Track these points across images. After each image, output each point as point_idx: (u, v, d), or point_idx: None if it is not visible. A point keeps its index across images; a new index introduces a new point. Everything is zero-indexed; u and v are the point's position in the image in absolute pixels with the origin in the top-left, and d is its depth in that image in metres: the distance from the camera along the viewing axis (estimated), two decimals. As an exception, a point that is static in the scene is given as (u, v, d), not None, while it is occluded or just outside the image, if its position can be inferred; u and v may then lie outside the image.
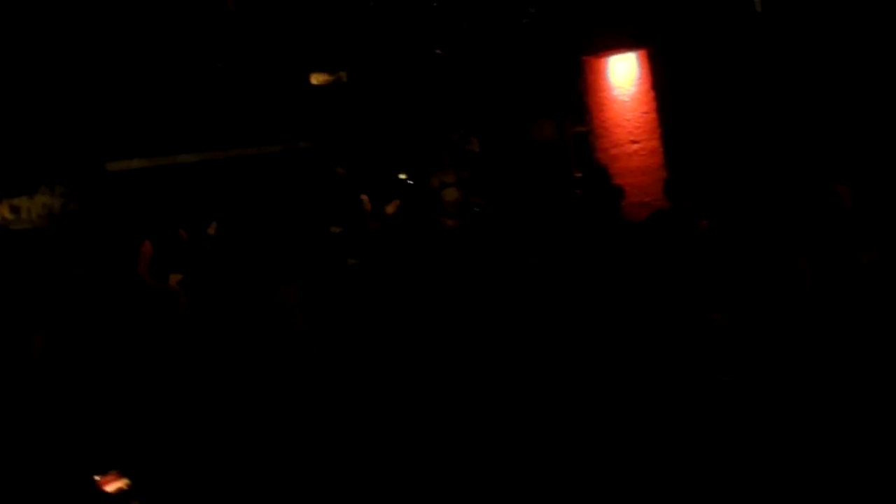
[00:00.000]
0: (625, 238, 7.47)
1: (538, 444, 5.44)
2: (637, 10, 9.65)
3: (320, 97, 11.66)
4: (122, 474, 5.08)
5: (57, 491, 5.05)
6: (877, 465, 4.57)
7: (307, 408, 6.32)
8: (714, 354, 5.86)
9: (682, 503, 4.61)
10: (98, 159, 10.84)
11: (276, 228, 10.37)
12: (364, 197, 10.10)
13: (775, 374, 5.42)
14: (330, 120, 11.84)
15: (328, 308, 6.94)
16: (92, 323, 7.66)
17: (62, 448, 5.53)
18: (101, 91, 10.38)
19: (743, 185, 8.47)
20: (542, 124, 10.45)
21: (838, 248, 6.77)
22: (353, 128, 11.93)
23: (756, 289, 5.64)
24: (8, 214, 10.42)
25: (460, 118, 12.25)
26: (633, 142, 10.08)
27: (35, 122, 10.14)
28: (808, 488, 4.50)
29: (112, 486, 5.03)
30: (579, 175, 10.74)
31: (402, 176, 11.51)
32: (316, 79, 11.29)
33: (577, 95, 10.52)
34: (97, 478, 4.99)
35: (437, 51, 11.04)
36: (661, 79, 9.85)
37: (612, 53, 10.07)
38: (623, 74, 10.10)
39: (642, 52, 9.91)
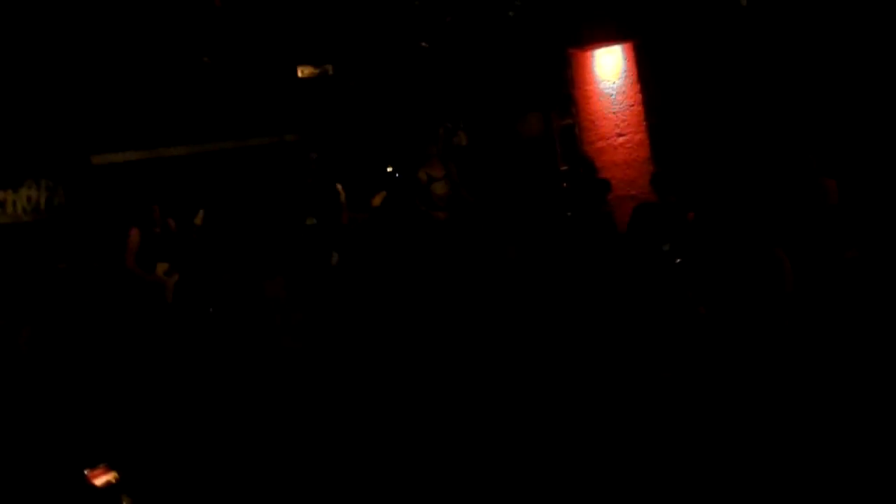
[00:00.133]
0: (609, 231, 7.51)
1: (524, 434, 5.46)
2: (623, 4, 9.68)
3: (307, 90, 11.64)
4: (110, 468, 5.08)
5: (45, 484, 5.05)
6: (862, 455, 4.61)
7: (291, 401, 6.32)
8: (698, 345, 5.89)
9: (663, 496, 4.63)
10: (83, 153, 10.80)
11: (257, 221, 10.41)
12: (338, 187, 10.09)
13: (756, 366, 5.45)
14: (316, 113, 11.82)
15: (311, 302, 6.94)
16: (79, 316, 7.65)
17: (50, 441, 5.52)
18: (86, 84, 10.33)
19: (728, 178, 8.52)
20: (528, 118, 10.47)
21: (823, 242, 6.82)
22: (339, 121, 11.92)
23: (735, 281, 5.67)
24: (-8, 208, 10.39)
25: (447, 111, 12.25)
26: (620, 135, 10.11)
27: (20, 115, 10.09)
28: (792, 480, 4.53)
29: (101, 480, 5.02)
30: (565, 168, 10.78)
31: (389, 168, 11.52)
32: (302, 72, 11.26)
33: (563, 88, 10.55)
34: (86, 471, 4.98)
35: (423, 44, 11.03)
36: (647, 72, 9.88)
37: (599, 46, 10.09)
38: (609, 67, 10.13)
39: (628, 45, 9.94)
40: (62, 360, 6.48)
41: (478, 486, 5.01)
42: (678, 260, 6.83)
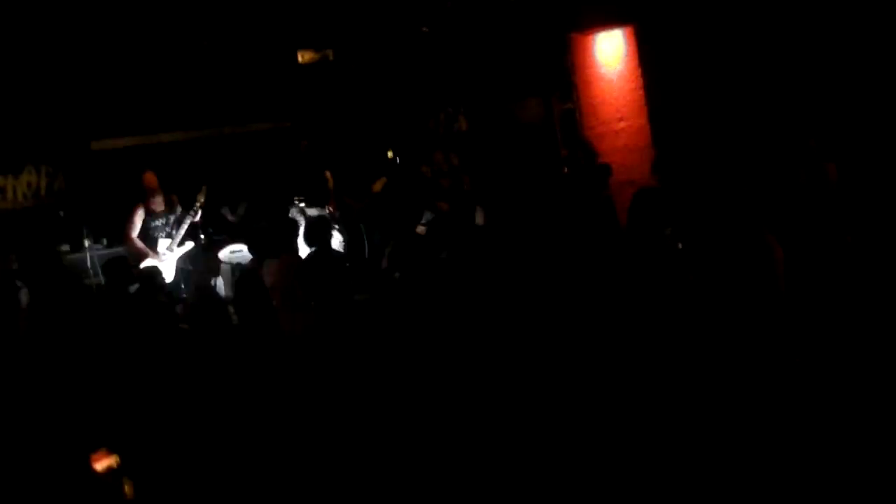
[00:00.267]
0: (609, 216, 7.49)
1: (520, 424, 5.46)
2: (624, -13, 9.63)
3: (306, 76, 11.61)
4: (112, 451, 5.08)
5: (47, 469, 5.05)
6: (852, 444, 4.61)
7: (289, 387, 6.32)
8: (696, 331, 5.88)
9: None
10: (83, 138, 10.80)
11: (255, 205, 10.42)
12: (327, 174, 10.11)
13: (750, 354, 5.44)
14: (315, 99, 11.80)
15: (309, 287, 6.92)
16: (79, 301, 7.64)
17: (51, 425, 5.52)
18: (86, 71, 10.32)
19: (727, 162, 8.50)
20: (528, 102, 10.44)
21: (825, 225, 6.81)
22: (338, 106, 11.89)
23: (726, 267, 5.66)
24: (-7, 194, 10.41)
25: (447, 96, 12.23)
26: (621, 119, 10.07)
27: (20, 102, 10.08)
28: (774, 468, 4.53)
29: (102, 464, 5.03)
30: (565, 153, 10.74)
31: (390, 154, 11.52)
32: (302, 57, 11.23)
33: (564, 73, 10.51)
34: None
35: (424, 28, 10.99)
36: (649, 56, 9.82)
37: (599, 30, 10.05)
38: (610, 52, 10.08)
39: (629, 29, 9.88)
40: (62, 344, 6.47)
41: (475, 474, 5.02)
42: (679, 245, 6.81)
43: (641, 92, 9.89)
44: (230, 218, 10.32)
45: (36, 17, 8.99)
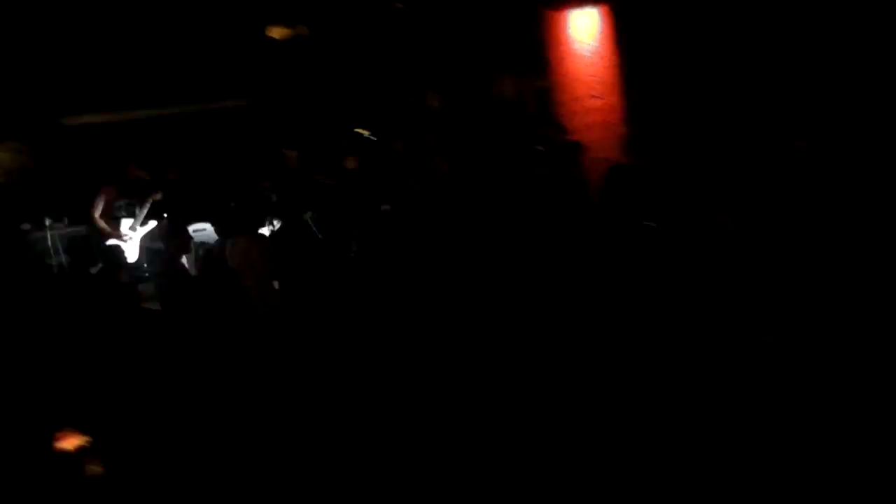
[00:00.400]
0: (580, 193, 7.48)
1: (503, 407, 5.46)
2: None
3: (278, 53, 11.51)
4: (81, 432, 5.04)
5: (15, 449, 5.01)
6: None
7: (260, 366, 6.31)
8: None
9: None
10: (53, 114, 10.68)
11: (221, 183, 10.36)
12: (289, 153, 10.07)
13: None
14: (289, 75, 11.70)
15: (279, 263, 6.90)
16: (41, 280, 7.58)
17: (21, 405, 5.47)
18: (55, 47, 10.19)
19: (697, 142, 8.50)
20: (501, 80, 10.38)
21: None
22: (312, 82, 11.80)
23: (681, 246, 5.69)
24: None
25: (421, 73, 12.16)
26: (594, 97, 10.02)
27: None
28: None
29: (70, 444, 4.99)
30: (539, 131, 10.69)
31: (362, 132, 11.47)
32: (275, 33, 11.12)
33: (538, 50, 10.44)
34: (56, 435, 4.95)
35: (398, 4, 10.91)
36: (624, 33, 9.77)
37: (574, 7, 9.97)
38: (584, 28, 9.99)
39: (604, 6, 9.82)
40: (29, 323, 6.41)
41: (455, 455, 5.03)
42: (650, 224, 6.83)
43: (616, 69, 9.84)
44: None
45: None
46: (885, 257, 6.00)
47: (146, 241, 8.92)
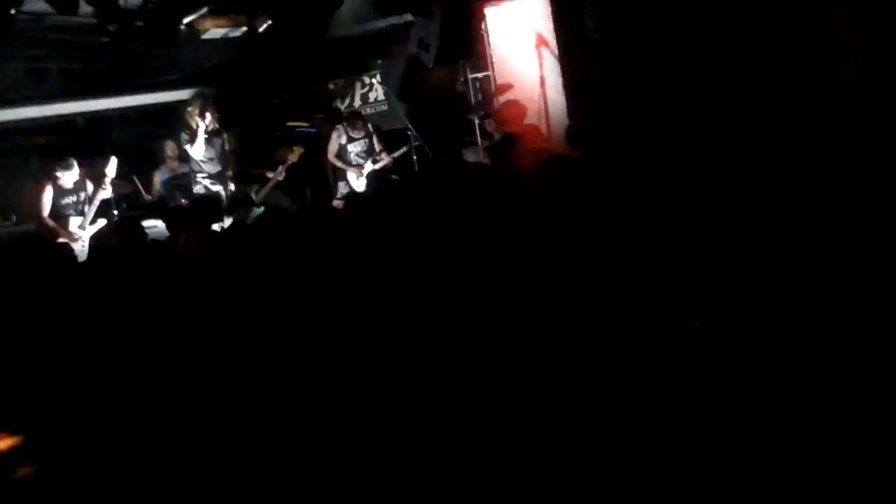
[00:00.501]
0: (512, 185, 7.50)
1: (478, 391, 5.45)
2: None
3: (217, 44, 11.38)
4: (12, 432, 4.96)
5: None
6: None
7: (201, 360, 6.24)
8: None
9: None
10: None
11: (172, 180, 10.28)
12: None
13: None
14: (225, 67, 11.59)
15: (223, 259, 6.84)
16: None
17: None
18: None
19: (641, 132, 8.54)
20: (438, 70, 10.34)
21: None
22: (250, 74, 11.68)
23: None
24: None
25: (364, 65, 12.11)
26: (535, 87, 10.05)
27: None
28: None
29: (3, 443, 4.91)
30: (478, 121, 10.70)
31: (301, 124, 11.46)
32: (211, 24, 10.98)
33: (476, 39, 10.41)
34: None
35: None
36: (565, 24, 9.79)
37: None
38: (525, 18, 10.04)
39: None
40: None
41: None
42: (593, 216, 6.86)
43: (557, 60, 9.88)
44: (146, 197, 10.17)
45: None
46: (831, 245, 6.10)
47: (95, 240, 8.77)
